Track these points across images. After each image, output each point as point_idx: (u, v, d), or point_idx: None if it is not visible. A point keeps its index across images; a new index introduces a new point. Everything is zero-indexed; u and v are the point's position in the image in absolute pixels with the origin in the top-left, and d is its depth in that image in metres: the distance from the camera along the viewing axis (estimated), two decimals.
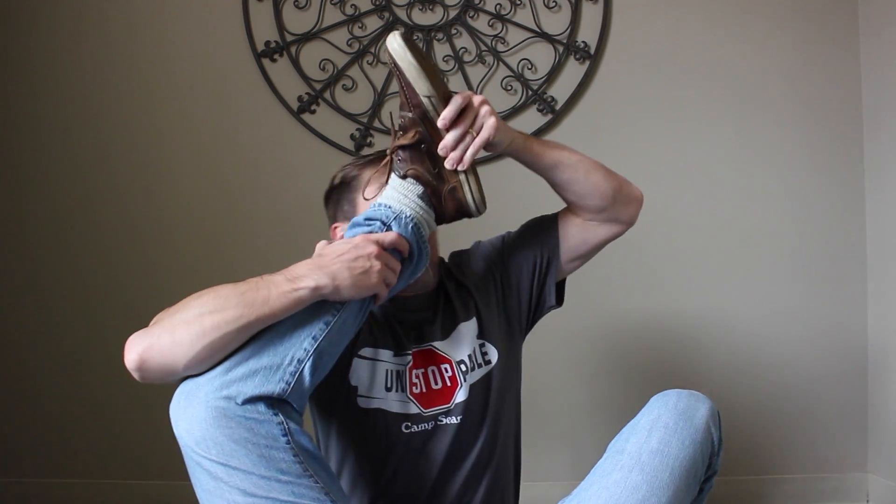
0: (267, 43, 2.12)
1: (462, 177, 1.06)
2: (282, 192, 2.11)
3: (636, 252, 2.14)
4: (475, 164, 1.07)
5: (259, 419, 0.85)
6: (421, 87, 1.01)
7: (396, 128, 1.06)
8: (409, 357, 1.13)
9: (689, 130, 2.16)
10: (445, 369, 1.14)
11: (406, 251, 1.02)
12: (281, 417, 0.87)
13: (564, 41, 2.14)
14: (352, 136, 2.14)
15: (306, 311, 0.93)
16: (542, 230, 1.24)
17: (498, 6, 2.13)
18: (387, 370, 1.12)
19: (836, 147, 2.16)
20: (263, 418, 0.86)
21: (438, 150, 1.04)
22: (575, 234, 1.22)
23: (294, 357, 0.90)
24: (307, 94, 2.13)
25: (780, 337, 2.14)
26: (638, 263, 2.14)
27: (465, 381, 1.14)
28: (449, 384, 1.13)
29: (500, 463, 1.17)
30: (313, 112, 2.13)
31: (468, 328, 1.18)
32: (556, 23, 2.14)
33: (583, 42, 2.14)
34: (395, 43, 1.00)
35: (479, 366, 1.17)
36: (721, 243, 2.15)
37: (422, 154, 1.04)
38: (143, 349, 0.88)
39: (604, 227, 1.21)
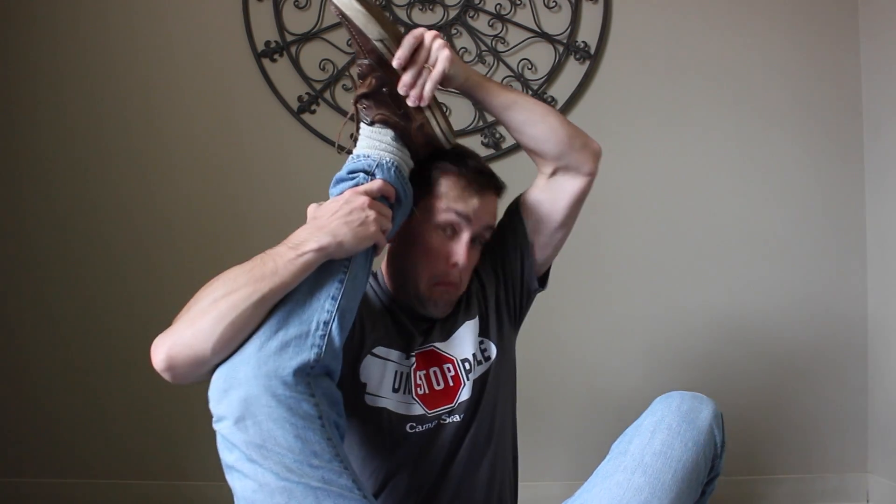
0: (267, 43, 2.12)
1: (427, 112, 1.08)
2: (282, 192, 2.11)
3: (635, 251, 2.14)
4: (437, 97, 1.10)
5: (297, 398, 0.87)
6: (372, 31, 1.02)
7: (356, 77, 1.07)
8: (413, 359, 1.14)
9: (689, 130, 2.16)
10: (448, 369, 1.15)
11: (393, 196, 1.04)
12: (316, 398, 0.88)
13: (564, 41, 2.14)
14: (352, 137, 2.13)
15: (318, 276, 0.95)
16: (511, 213, 1.26)
17: (498, 6, 2.13)
18: (395, 371, 1.12)
19: (836, 147, 2.16)
20: (301, 397, 0.87)
21: (398, 89, 1.05)
22: (544, 201, 1.22)
23: (319, 321, 0.92)
24: (307, 94, 2.12)
25: (779, 337, 2.14)
26: (637, 263, 2.14)
27: (468, 379, 1.15)
28: (452, 384, 1.14)
29: (498, 455, 1.18)
30: (313, 112, 2.13)
31: (470, 327, 1.19)
32: (556, 23, 2.14)
33: (583, 42, 2.14)
34: None
35: (480, 363, 1.18)
36: (720, 243, 2.15)
37: (385, 97, 1.06)
38: (168, 347, 0.89)
39: (567, 179, 1.20)
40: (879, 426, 2.09)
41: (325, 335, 0.92)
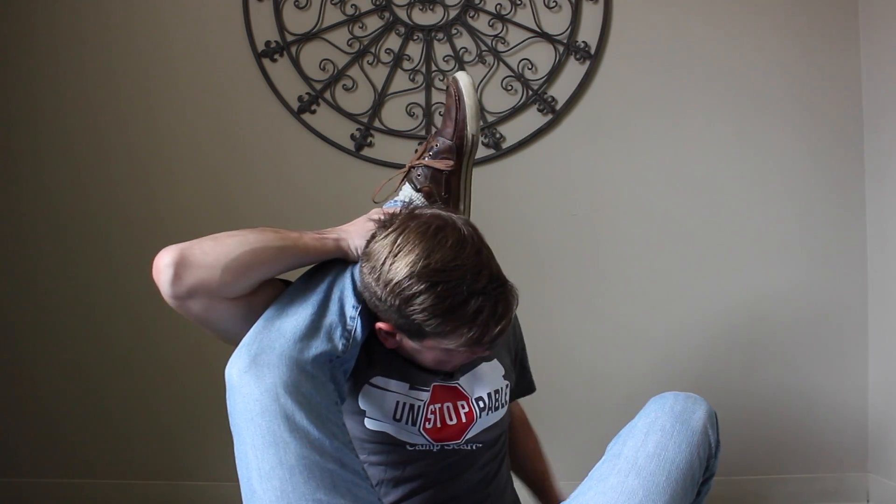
0: (267, 43, 2.12)
1: (462, 205, 1.21)
2: (281, 192, 2.12)
3: (634, 252, 2.14)
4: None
5: (323, 379, 0.92)
6: (472, 125, 1.17)
7: (433, 147, 1.17)
8: (428, 392, 1.10)
9: (689, 130, 2.15)
10: (462, 405, 1.12)
11: None
12: (334, 386, 0.94)
13: (565, 41, 2.14)
14: (352, 136, 2.14)
15: (341, 271, 1.03)
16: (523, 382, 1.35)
17: (498, 6, 2.13)
18: (397, 401, 1.09)
19: (837, 147, 2.15)
20: (326, 379, 0.93)
21: None
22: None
23: (347, 315, 0.99)
24: (307, 94, 2.12)
25: (779, 337, 2.13)
26: (636, 264, 2.14)
27: (480, 417, 1.13)
28: (464, 420, 1.11)
29: (499, 477, 1.18)
30: (313, 112, 2.13)
31: (490, 367, 1.17)
32: (556, 23, 2.14)
33: (583, 42, 2.14)
34: (467, 79, 1.17)
35: (501, 406, 1.16)
36: (720, 243, 2.15)
37: (440, 177, 1.17)
38: (184, 246, 0.94)
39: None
40: (879, 426, 2.09)
41: (352, 329, 0.98)
